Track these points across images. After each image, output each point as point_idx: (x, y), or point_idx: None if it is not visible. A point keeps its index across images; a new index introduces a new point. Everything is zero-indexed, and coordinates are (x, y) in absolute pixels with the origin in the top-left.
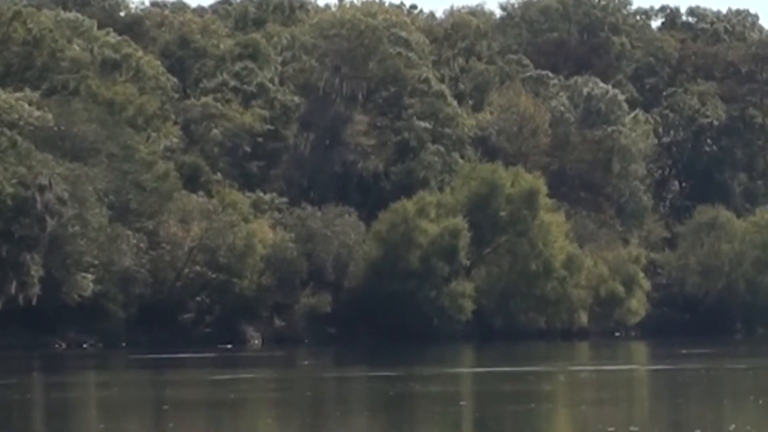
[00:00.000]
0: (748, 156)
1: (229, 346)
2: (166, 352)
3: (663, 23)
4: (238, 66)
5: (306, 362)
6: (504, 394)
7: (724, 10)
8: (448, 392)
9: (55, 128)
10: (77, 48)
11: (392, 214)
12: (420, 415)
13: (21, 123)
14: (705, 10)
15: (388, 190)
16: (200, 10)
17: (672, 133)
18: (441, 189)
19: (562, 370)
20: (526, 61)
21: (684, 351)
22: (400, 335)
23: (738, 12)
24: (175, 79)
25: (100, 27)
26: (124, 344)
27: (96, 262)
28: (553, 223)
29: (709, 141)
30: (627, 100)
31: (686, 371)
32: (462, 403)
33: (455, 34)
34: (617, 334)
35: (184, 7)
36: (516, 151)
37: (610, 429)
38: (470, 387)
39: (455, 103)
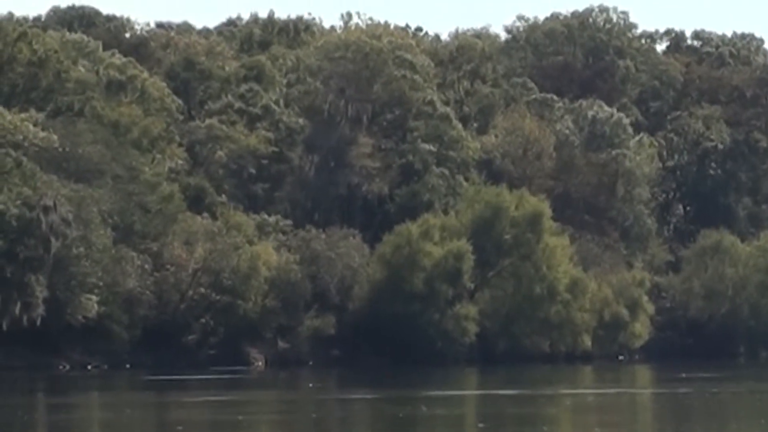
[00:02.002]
0: (752, 180)
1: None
2: (170, 374)
3: (668, 47)
4: (243, 88)
5: (311, 385)
6: (513, 416)
7: (729, 34)
8: (455, 415)
9: (60, 149)
10: (82, 69)
11: (396, 236)
12: None
13: (26, 144)
14: (710, 33)
15: (392, 213)
16: (206, 32)
17: (676, 156)
18: (445, 212)
19: (567, 394)
20: (531, 84)
21: (686, 375)
22: (403, 358)
23: (743, 36)
24: (180, 101)
25: (105, 48)
26: (128, 365)
27: (100, 283)
28: (558, 246)
29: (713, 165)
30: (632, 124)
31: (690, 395)
32: (480, 425)
33: (460, 57)
34: (621, 357)
35: (190, 29)
36: (520, 174)
37: None
38: (478, 409)
39: (460, 125)
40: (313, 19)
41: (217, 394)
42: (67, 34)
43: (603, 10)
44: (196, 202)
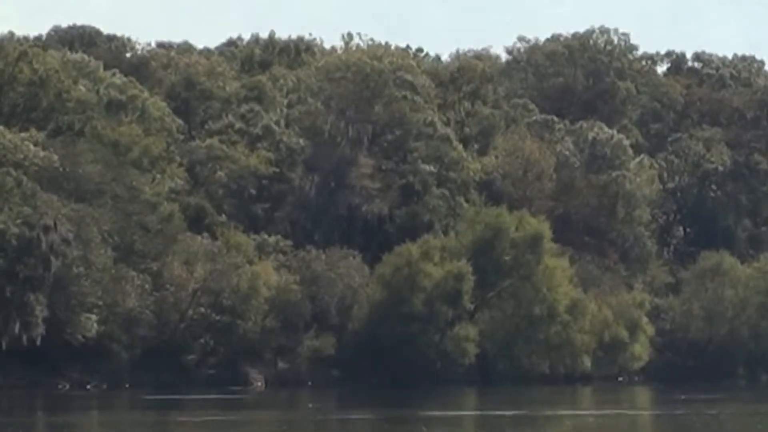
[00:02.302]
0: (752, 202)
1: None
2: (170, 394)
3: (668, 68)
4: (243, 108)
5: (311, 405)
6: None
7: (729, 56)
8: None
9: (61, 169)
10: (83, 89)
11: (396, 257)
12: None
13: (26, 163)
14: (711, 55)
15: (392, 233)
16: (206, 52)
17: (677, 178)
18: (445, 232)
19: (567, 415)
20: (532, 106)
21: (685, 396)
22: (403, 378)
23: (744, 58)
24: (180, 121)
25: (106, 68)
26: (127, 385)
27: (100, 302)
28: (558, 267)
29: (713, 187)
30: (632, 145)
31: (689, 416)
32: None
33: (461, 78)
34: (620, 379)
35: (191, 49)
36: (521, 196)
37: None
38: (477, 430)
39: (460, 146)
40: (314, 39)
41: (216, 414)
42: (68, 53)
43: (604, 31)
44: (197, 222)
